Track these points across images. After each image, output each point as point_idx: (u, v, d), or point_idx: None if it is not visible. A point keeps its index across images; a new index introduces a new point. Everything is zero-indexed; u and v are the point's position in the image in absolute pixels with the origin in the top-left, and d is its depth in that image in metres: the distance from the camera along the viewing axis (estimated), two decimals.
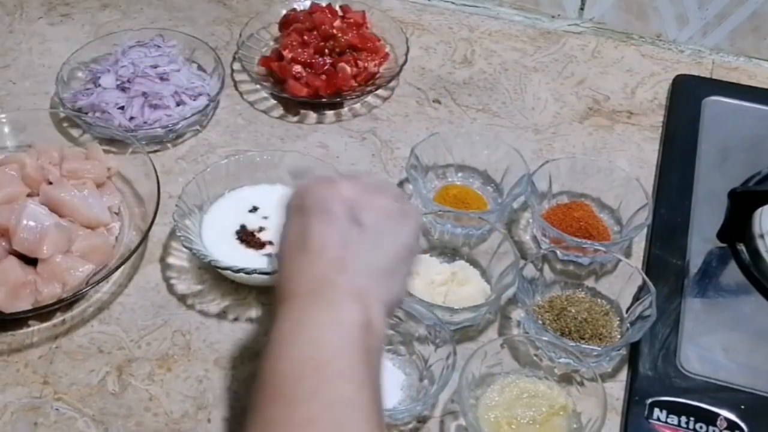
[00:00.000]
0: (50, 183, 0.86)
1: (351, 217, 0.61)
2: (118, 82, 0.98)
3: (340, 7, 1.11)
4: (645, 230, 0.88)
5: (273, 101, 1.04)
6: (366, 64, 1.04)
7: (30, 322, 0.80)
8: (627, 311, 0.79)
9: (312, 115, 1.03)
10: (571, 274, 0.83)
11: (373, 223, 0.61)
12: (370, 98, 1.04)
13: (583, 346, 0.75)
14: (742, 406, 0.73)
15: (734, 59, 1.13)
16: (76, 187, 0.85)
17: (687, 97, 1.04)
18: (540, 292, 0.81)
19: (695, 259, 0.85)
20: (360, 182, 0.64)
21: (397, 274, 0.62)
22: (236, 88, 1.06)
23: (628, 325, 0.78)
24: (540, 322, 0.78)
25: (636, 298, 0.79)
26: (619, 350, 0.77)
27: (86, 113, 0.96)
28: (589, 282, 0.82)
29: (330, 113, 1.03)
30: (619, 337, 0.78)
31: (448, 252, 0.86)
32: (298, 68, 1.02)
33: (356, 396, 0.53)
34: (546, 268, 0.82)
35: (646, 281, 0.78)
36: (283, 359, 0.55)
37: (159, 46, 1.04)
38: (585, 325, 0.78)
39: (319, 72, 1.02)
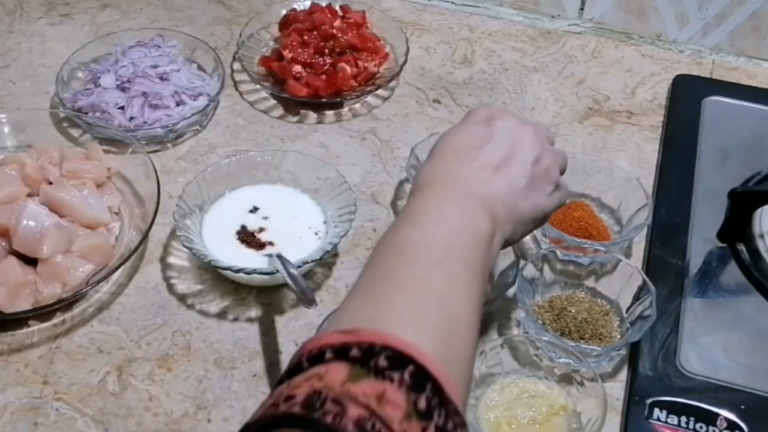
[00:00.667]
0: (50, 183, 0.86)
1: (524, 159, 0.64)
2: (118, 82, 0.98)
3: (340, 7, 1.11)
4: (645, 230, 0.88)
5: (273, 101, 1.04)
6: (366, 64, 1.04)
7: (30, 322, 0.80)
8: (627, 311, 0.79)
9: (312, 115, 1.03)
10: (571, 274, 0.83)
11: (535, 178, 0.64)
12: (370, 98, 1.04)
13: (583, 346, 0.75)
14: (742, 406, 0.73)
15: (734, 59, 1.13)
16: (76, 187, 0.85)
17: (687, 97, 1.04)
18: (540, 292, 0.81)
19: (695, 259, 0.85)
20: (543, 135, 0.67)
21: (525, 226, 0.66)
22: (236, 88, 1.06)
23: (628, 325, 0.78)
24: (540, 322, 0.78)
25: (636, 298, 0.79)
26: (619, 350, 0.77)
27: (86, 113, 0.96)
28: (589, 282, 0.82)
29: (330, 113, 1.03)
30: (619, 337, 0.78)
31: None
32: (298, 68, 1.02)
33: (472, 282, 0.55)
34: (546, 268, 0.82)
35: (646, 281, 0.78)
36: (417, 228, 0.57)
37: (159, 46, 1.04)
38: (585, 325, 0.78)
39: (319, 72, 1.02)
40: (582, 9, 1.16)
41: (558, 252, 0.82)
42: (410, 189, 0.64)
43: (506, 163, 0.63)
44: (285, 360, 0.78)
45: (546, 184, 0.66)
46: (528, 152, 0.64)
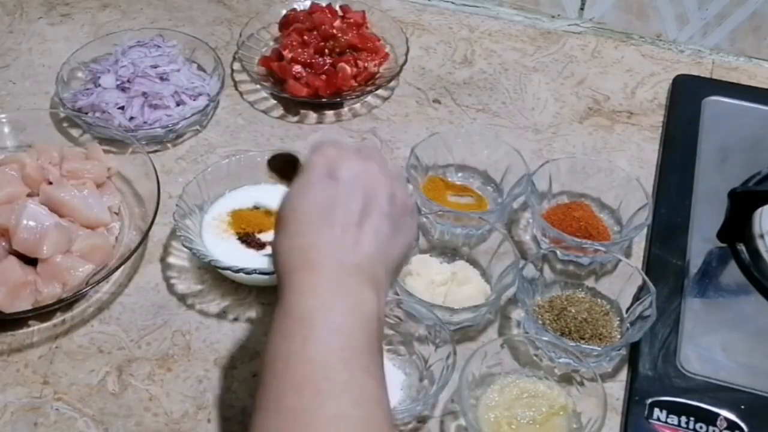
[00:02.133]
0: (50, 183, 0.86)
1: (379, 204, 0.61)
2: (118, 82, 0.98)
3: (340, 7, 1.11)
4: (645, 230, 0.88)
5: (273, 101, 1.04)
6: (366, 64, 1.04)
7: (30, 322, 0.80)
8: (627, 311, 0.79)
9: (312, 115, 1.03)
10: (571, 274, 0.83)
11: (395, 218, 0.62)
12: (370, 98, 1.04)
13: (583, 346, 0.75)
14: (742, 406, 0.73)
15: (734, 59, 1.13)
16: (76, 187, 0.85)
17: (687, 97, 1.04)
18: (540, 292, 0.81)
19: (695, 259, 0.85)
20: (386, 167, 0.64)
21: (396, 271, 0.63)
22: (236, 88, 1.06)
23: (628, 325, 0.78)
24: (540, 322, 0.78)
25: (636, 298, 0.79)
26: (619, 350, 0.77)
27: (86, 113, 0.96)
28: (589, 282, 0.82)
29: (330, 113, 1.03)
30: (619, 337, 0.78)
31: (448, 252, 0.86)
32: (298, 68, 1.02)
33: (380, 392, 0.53)
34: (546, 268, 0.82)
35: (646, 281, 0.78)
36: (311, 344, 0.53)
37: (159, 46, 1.04)
38: (585, 325, 0.78)
39: (319, 72, 1.02)
40: (582, 9, 1.16)
41: (558, 252, 0.82)
42: (277, 270, 0.60)
43: (366, 215, 0.60)
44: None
45: (406, 218, 0.64)
46: (381, 195, 0.61)
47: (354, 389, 0.51)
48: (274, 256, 0.61)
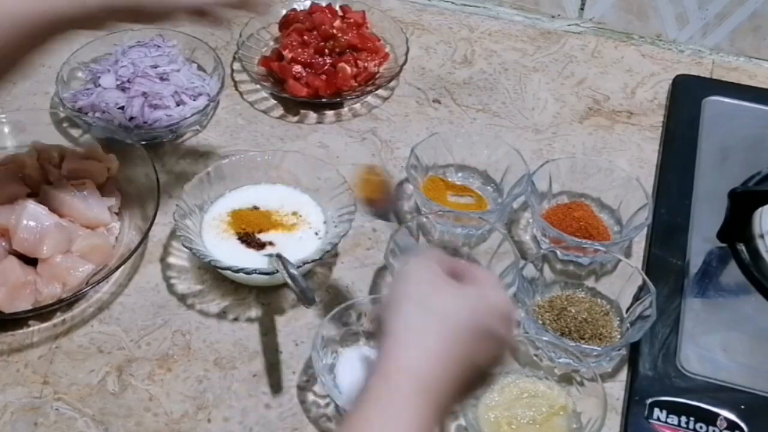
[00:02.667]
0: (50, 183, 0.86)
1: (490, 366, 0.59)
2: (118, 82, 0.98)
3: (340, 7, 1.11)
4: (645, 230, 0.88)
5: (273, 101, 1.04)
6: (366, 64, 1.04)
7: (30, 322, 0.80)
8: (627, 311, 0.79)
9: (312, 115, 1.03)
10: (571, 274, 0.83)
11: (478, 372, 0.59)
12: (370, 98, 1.04)
13: (583, 346, 0.75)
14: (742, 406, 0.73)
15: (734, 59, 1.13)
16: (76, 187, 0.85)
17: (687, 97, 1.04)
18: (540, 292, 0.81)
19: (695, 259, 0.85)
20: (504, 311, 0.59)
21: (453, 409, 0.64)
22: (236, 88, 1.06)
23: (628, 325, 0.78)
24: (540, 322, 0.78)
25: (636, 298, 0.79)
26: (619, 350, 0.77)
27: (86, 113, 0.96)
28: (589, 282, 0.82)
29: (330, 113, 1.03)
30: (619, 337, 0.78)
31: (448, 252, 0.86)
32: (298, 68, 1.02)
33: None
34: (546, 268, 0.82)
35: (646, 281, 0.78)
36: None
37: (159, 46, 1.03)
38: (585, 325, 0.78)
39: (319, 72, 1.02)
40: (582, 9, 1.16)
41: (558, 252, 0.82)
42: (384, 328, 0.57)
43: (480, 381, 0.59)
44: (285, 360, 0.78)
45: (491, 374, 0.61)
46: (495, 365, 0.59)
47: None
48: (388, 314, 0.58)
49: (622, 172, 0.90)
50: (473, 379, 0.58)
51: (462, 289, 0.58)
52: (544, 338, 0.74)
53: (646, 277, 0.78)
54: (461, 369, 0.56)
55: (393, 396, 0.54)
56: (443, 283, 0.59)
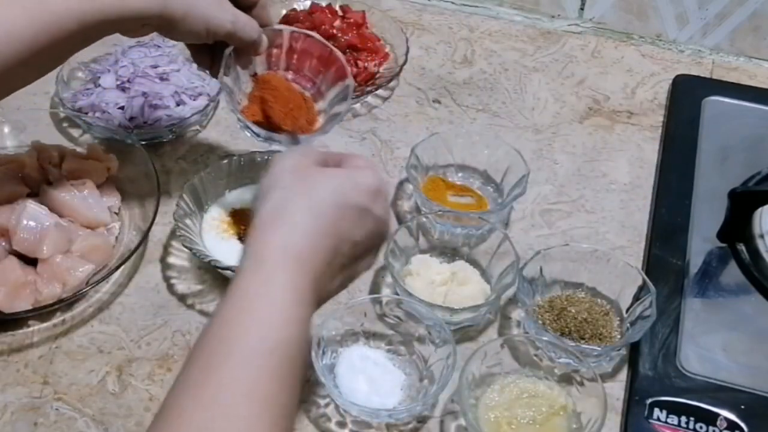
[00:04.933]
0: (50, 183, 0.86)
1: (349, 240, 0.60)
2: (118, 82, 0.98)
3: (340, 7, 1.11)
4: (646, 230, 0.88)
5: None
6: (366, 64, 1.04)
7: (30, 322, 0.80)
8: (627, 311, 0.79)
9: None
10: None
11: (358, 251, 0.61)
12: (370, 98, 1.04)
13: (583, 346, 0.75)
14: (742, 406, 0.73)
15: (734, 59, 1.13)
16: (76, 187, 0.85)
17: (687, 97, 1.04)
18: (540, 292, 0.81)
19: (695, 259, 0.85)
20: (371, 186, 0.62)
21: (340, 289, 0.63)
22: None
23: (628, 325, 0.78)
24: (540, 322, 0.78)
25: (636, 298, 0.79)
26: (619, 350, 0.77)
27: (86, 113, 0.96)
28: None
29: None
30: (619, 337, 0.78)
31: (448, 252, 0.86)
32: None
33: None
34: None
35: (646, 281, 0.78)
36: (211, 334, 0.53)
37: (159, 46, 1.04)
38: (585, 325, 0.78)
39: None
40: (582, 9, 1.16)
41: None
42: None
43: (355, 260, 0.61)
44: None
45: (368, 252, 0.63)
46: (379, 243, 0.63)
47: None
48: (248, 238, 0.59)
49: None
50: (354, 255, 0.61)
51: (329, 172, 0.61)
52: (544, 338, 0.74)
53: (646, 277, 0.78)
54: (334, 243, 0.58)
55: (266, 267, 0.55)
56: (310, 169, 0.61)
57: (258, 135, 0.82)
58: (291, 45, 0.86)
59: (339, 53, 0.85)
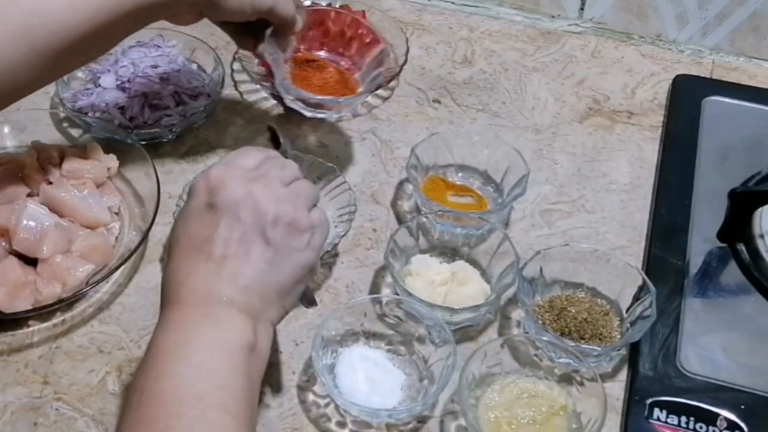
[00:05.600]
0: (50, 183, 0.86)
1: (261, 231, 0.59)
2: (118, 82, 0.98)
3: (341, 6, 1.10)
4: (646, 230, 0.88)
5: (273, 101, 1.04)
6: None
7: (30, 322, 0.80)
8: (627, 311, 0.79)
9: None
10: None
11: (281, 243, 0.59)
12: (370, 98, 1.04)
13: (583, 346, 0.75)
14: (742, 406, 0.73)
15: (734, 59, 1.13)
16: (76, 187, 0.85)
17: (687, 97, 1.04)
18: (540, 292, 0.81)
19: (695, 259, 0.85)
20: (276, 183, 0.61)
21: (291, 294, 0.62)
22: (236, 88, 1.06)
23: (628, 325, 0.78)
24: (540, 322, 0.78)
25: (636, 298, 0.79)
26: (619, 350, 0.77)
27: (86, 113, 0.96)
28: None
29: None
30: (619, 337, 0.78)
31: (448, 252, 0.86)
32: None
33: (235, 428, 0.52)
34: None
35: (646, 281, 0.78)
36: (165, 379, 0.53)
37: (159, 46, 1.03)
38: (585, 325, 0.78)
39: None
40: (582, 9, 1.16)
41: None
42: (164, 285, 0.60)
43: (242, 244, 0.58)
44: (285, 360, 0.78)
45: (297, 240, 0.60)
46: (261, 219, 0.59)
47: (203, 426, 0.51)
48: (162, 287, 0.60)
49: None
50: (241, 241, 0.58)
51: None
52: (544, 338, 0.74)
53: (646, 277, 0.78)
54: (183, 242, 0.59)
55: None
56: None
57: (307, 102, 0.85)
58: (323, 22, 0.88)
59: (367, 22, 0.87)
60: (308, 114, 0.90)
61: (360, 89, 0.91)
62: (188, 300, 0.57)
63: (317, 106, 0.83)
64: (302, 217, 0.61)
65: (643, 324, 0.76)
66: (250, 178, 0.61)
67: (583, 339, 0.77)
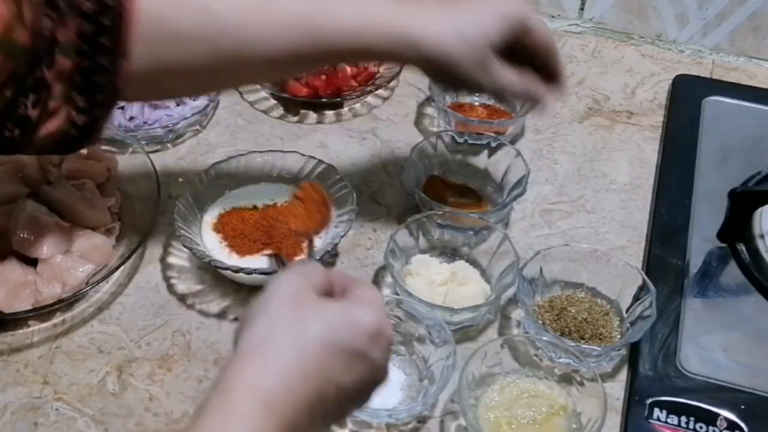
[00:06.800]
0: (50, 183, 0.86)
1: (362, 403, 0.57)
2: None
3: None
4: (646, 230, 0.88)
5: (273, 101, 1.04)
6: (366, 64, 1.04)
7: (30, 322, 0.80)
8: (627, 311, 0.79)
9: (312, 115, 1.03)
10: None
11: (347, 397, 0.54)
12: (370, 98, 1.04)
13: (583, 346, 0.75)
14: (742, 406, 0.73)
15: (734, 59, 1.13)
16: (76, 187, 0.85)
17: (687, 97, 1.04)
18: (540, 292, 0.81)
19: (695, 259, 0.85)
20: (369, 326, 0.55)
21: None
22: (236, 88, 1.06)
23: (628, 325, 0.78)
24: (540, 322, 0.78)
25: (636, 298, 0.79)
26: (619, 350, 0.77)
27: None
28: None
29: (330, 113, 1.03)
30: (619, 336, 0.78)
31: (448, 252, 0.86)
32: None
33: None
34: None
35: (646, 281, 0.78)
36: None
37: None
38: (585, 325, 0.78)
39: (319, 72, 1.02)
40: (582, 9, 1.16)
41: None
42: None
43: (347, 408, 0.56)
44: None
45: (360, 400, 0.57)
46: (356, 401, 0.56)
47: None
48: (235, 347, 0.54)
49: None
50: (340, 401, 0.53)
51: (325, 305, 0.55)
52: (544, 338, 0.74)
53: (646, 277, 0.78)
54: (317, 387, 0.51)
55: (229, 406, 0.49)
56: (306, 299, 0.54)
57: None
58: None
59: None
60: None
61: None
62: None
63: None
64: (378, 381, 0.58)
65: (643, 324, 0.76)
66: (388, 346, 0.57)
67: (583, 339, 0.77)
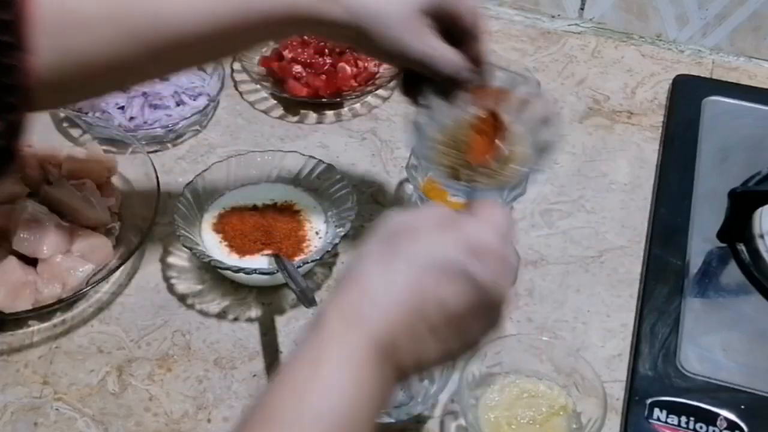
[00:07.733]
0: (50, 183, 0.86)
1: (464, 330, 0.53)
2: None
3: None
4: (646, 230, 0.88)
5: (273, 101, 1.04)
6: (366, 64, 1.04)
7: (30, 322, 0.80)
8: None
9: (312, 115, 1.03)
10: None
11: (456, 319, 0.52)
12: (370, 98, 1.04)
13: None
14: (742, 406, 0.73)
15: (734, 59, 1.13)
16: (76, 187, 0.85)
17: (687, 97, 1.04)
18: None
19: (695, 259, 0.85)
20: (481, 241, 0.53)
21: (443, 359, 0.55)
22: (236, 88, 1.06)
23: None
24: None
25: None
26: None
27: (86, 113, 0.96)
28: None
29: (330, 113, 1.03)
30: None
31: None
32: (298, 68, 1.02)
33: None
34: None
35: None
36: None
37: None
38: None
39: (319, 72, 1.02)
40: (582, 9, 1.16)
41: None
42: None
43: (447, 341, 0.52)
44: (285, 360, 0.78)
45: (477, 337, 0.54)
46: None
47: None
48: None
49: None
50: (450, 323, 0.51)
51: (448, 228, 0.52)
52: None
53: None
54: (410, 300, 0.50)
55: (319, 328, 0.50)
56: (425, 226, 0.53)
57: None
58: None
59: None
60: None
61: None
62: (366, 339, 0.50)
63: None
64: (498, 316, 0.55)
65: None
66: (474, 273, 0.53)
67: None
